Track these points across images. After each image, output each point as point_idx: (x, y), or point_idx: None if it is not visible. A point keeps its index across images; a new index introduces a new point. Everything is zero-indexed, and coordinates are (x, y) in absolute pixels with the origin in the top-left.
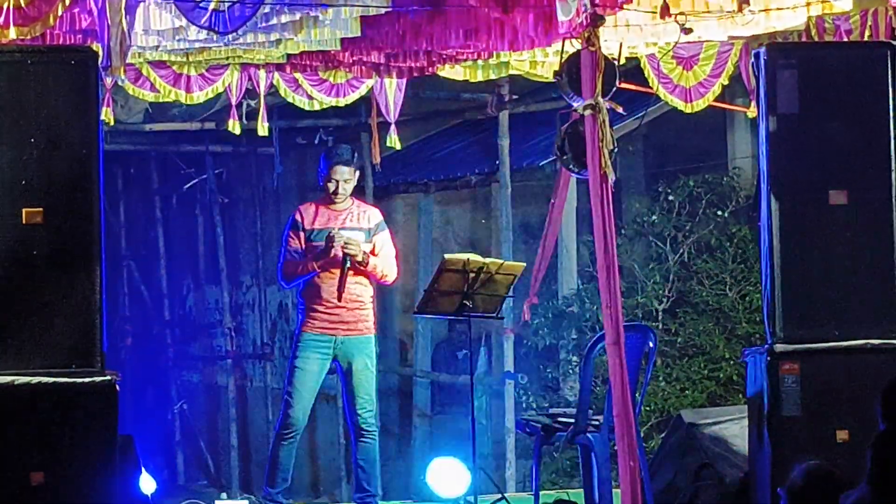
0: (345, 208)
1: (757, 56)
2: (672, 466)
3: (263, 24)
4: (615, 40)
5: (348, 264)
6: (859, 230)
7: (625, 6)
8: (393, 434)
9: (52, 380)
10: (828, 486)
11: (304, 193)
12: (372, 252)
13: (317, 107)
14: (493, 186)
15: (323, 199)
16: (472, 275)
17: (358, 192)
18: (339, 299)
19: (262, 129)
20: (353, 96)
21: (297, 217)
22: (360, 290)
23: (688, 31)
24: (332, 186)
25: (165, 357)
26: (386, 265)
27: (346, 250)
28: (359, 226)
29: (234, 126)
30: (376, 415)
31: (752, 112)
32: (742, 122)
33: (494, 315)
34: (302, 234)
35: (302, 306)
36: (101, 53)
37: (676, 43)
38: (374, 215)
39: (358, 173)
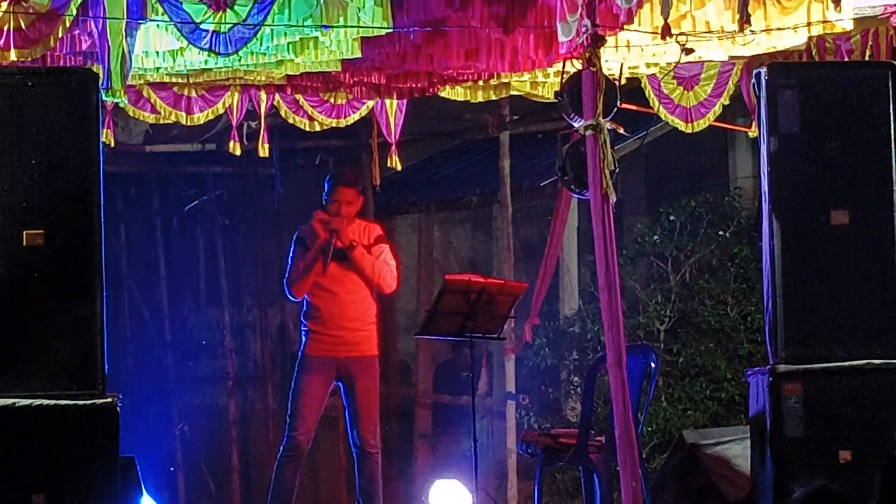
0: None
1: (758, 76)
2: (674, 487)
3: (264, 46)
4: (616, 61)
5: (333, 238)
6: (861, 250)
7: (625, 27)
8: (394, 455)
9: (53, 402)
10: None
11: (305, 214)
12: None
13: (317, 128)
14: (495, 207)
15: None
16: (473, 296)
17: (359, 214)
18: (324, 272)
19: (263, 150)
20: (353, 117)
21: (301, 235)
22: (362, 311)
23: (689, 51)
24: (334, 208)
25: (166, 378)
26: (382, 269)
27: (331, 226)
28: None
29: (235, 147)
30: (379, 436)
31: (753, 132)
32: (743, 142)
33: (496, 336)
34: (305, 252)
35: (304, 328)
36: (101, 75)
37: (677, 63)
38: (373, 230)
39: (362, 199)
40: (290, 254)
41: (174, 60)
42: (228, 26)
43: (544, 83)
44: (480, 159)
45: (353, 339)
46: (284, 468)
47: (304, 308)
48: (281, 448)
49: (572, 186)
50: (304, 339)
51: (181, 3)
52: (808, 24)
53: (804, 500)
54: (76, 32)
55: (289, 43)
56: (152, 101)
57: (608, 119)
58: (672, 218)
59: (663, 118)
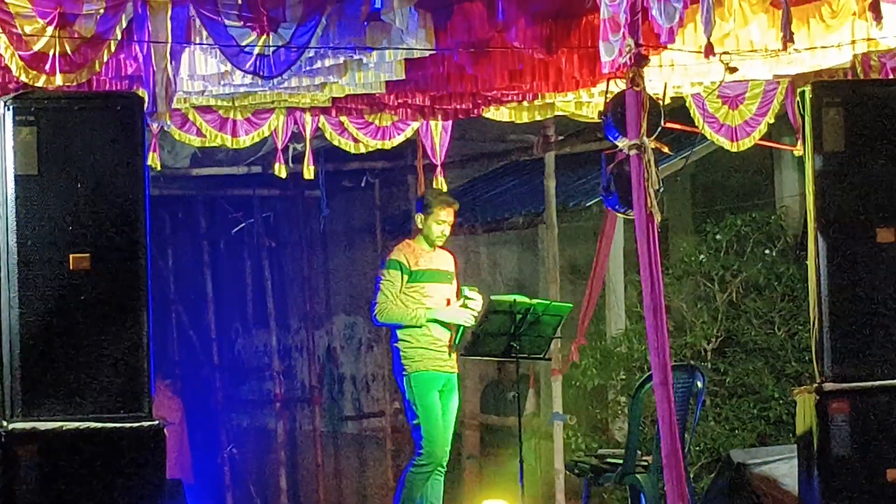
0: (432, 249)
1: (802, 94)
2: None
3: (308, 68)
4: (660, 80)
5: (466, 325)
6: None
7: (668, 46)
8: None
9: (100, 425)
10: None
11: (352, 235)
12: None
13: (363, 149)
14: (540, 227)
15: (414, 241)
16: (519, 316)
17: (404, 235)
18: (450, 353)
19: (308, 172)
20: (398, 139)
21: (402, 259)
22: (442, 332)
23: (732, 70)
24: (442, 229)
25: (214, 401)
26: None
27: (469, 307)
28: (447, 268)
29: (281, 170)
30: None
31: (798, 150)
32: (789, 161)
33: (542, 356)
34: (405, 277)
35: (409, 346)
36: (146, 99)
37: (721, 82)
38: (451, 257)
39: None
40: (378, 277)
41: (219, 84)
42: (273, 49)
43: (588, 103)
44: (526, 180)
45: (450, 357)
46: (422, 480)
47: (403, 326)
48: (413, 463)
49: (617, 206)
50: (408, 354)
51: (226, 27)
52: (853, 42)
53: None
54: (121, 56)
55: (333, 65)
56: (198, 124)
57: (652, 138)
58: (718, 237)
59: (708, 137)
